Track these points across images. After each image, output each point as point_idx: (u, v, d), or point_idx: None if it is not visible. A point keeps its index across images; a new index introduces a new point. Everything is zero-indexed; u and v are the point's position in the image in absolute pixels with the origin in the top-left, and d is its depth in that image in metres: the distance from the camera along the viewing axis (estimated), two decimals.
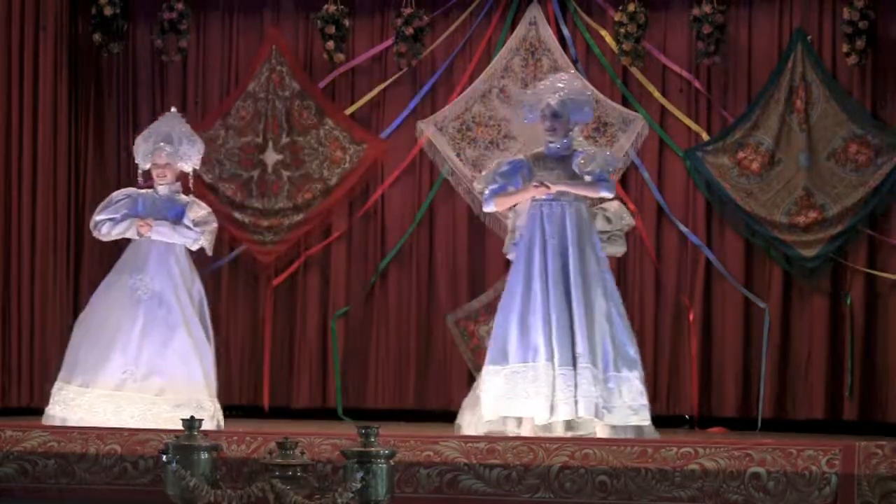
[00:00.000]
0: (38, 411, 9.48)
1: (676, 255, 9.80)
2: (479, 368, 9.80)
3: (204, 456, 5.82)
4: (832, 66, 9.55)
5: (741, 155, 9.59)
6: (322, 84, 10.19)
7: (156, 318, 8.27)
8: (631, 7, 9.62)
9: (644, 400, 7.44)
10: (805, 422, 9.39)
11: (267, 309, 10.13)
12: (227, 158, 10.19)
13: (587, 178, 7.53)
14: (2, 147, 9.48)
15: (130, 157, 10.29)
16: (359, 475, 5.62)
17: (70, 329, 9.99)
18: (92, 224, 8.53)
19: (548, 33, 9.95)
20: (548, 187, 7.50)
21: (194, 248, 8.52)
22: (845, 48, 9.36)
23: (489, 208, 7.85)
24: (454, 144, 9.97)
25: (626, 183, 9.86)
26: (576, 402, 7.33)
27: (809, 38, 9.53)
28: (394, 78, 10.12)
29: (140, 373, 8.18)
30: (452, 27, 10.09)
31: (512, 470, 6.57)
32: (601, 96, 9.80)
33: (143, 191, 8.54)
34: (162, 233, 8.39)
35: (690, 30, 9.68)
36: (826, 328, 9.48)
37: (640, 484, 6.47)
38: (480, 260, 10.01)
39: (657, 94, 9.81)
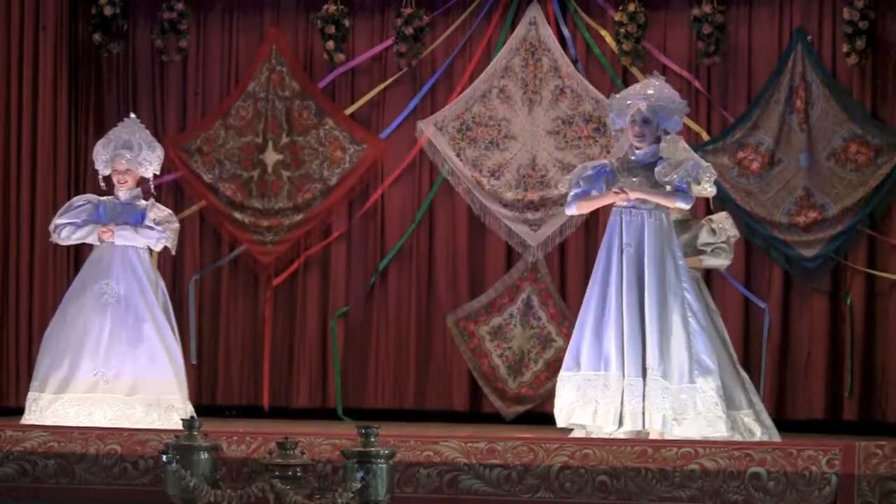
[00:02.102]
0: None
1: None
2: (478, 368, 9.84)
3: (204, 456, 5.82)
4: (832, 66, 9.55)
5: (741, 155, 9.59)
6: (322, 84, 10.19)
7: (124, 322, 8.30)
8: (631, 7, 9.63)
9: (719, 412, 7.32)
10: (805, 422, 9.39)
11: (267, 309, 10.13)
12: (227, 158, 10.19)
13: (668, 187, 7.46)
14: (2, 147, 9.48)
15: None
16: (359, 475, 5.62)
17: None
18: (52, 227, 8.49)
19: (548, 33, 9.96)
20: (626, 193, 7.44)
21: (158, 247, 8.53)
22: (845, 48, 9.36)
23: (571, 211, 7.75)
24: (454, 144, 9.97)
25: None
26: (643, 414, 7.29)
27: (809, 37, 9.53)
28: (394, 78, 10.13)
29: (111, 373, 8.20)
30: (452, 27, 10.09)
31: (512, 470, 6.57)
32: (601, 96, 9.80)
33: (103, 197, 8.55)
34: (125, 236, 8.39)
35: (690, 30, 9.68)
36: (826, 328, 9.49)
37: (640, 484, 6.47)
38: (480, 260, 10.01)
39: None
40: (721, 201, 9.65)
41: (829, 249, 9.41)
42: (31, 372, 9.59)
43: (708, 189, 7.83)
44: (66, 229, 8.43)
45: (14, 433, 7.01)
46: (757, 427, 7.73)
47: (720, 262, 8.02)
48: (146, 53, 10.37)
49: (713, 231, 7.93)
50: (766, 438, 7.69)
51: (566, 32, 9.98)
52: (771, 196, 9.53)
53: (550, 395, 9.82)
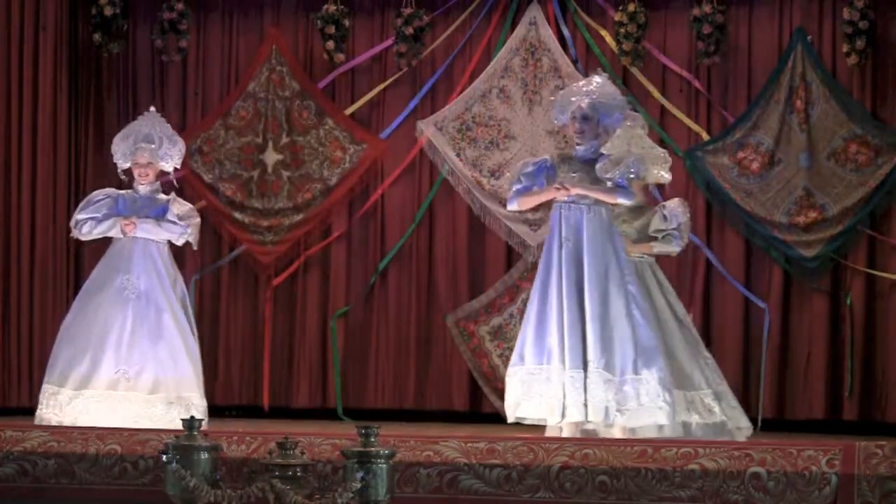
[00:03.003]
0: None
1: (676, 255, 9.79)
2: (478, 368, 9.83)
3: (204, 456, 5.82)
4: (832, 66, 9.55)
5: (741, 155, 9.59)
6: (322, 84, 10.19)
7: (145, 317, 8.28)
8: (631, 7, 9.63)
9: (661, 402, 7.39)
10: (805, 422, 9.39)
11: (267, 309, 10.13)
12: (227, 158, 10.19)
13: (608, 183, 7.51)
14: (2, 147, 9.48)
15: None
16: (359, 475, 5.61)
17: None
18: (72, 223, 8.50)
19: (548, 33, 9.96)
20: (567, 190, 7.50)
21: (180, 242, 8.53)
22: (845, 48, 9.36)
23: (513, 207, 7.85)
24: (454, 144, 9.97)
25: None
26: (585, 406, 7.33)
27: (809, 37, 9.53)
28: (394, 78, 10.12)
29: (133, 371, 8.18)
30: (452, 27, 10.09)
31: (512, 470, 6.57)
32: None
33: (122, 191, 8.53)
34: (148, 230, 8.38)
35: (690, 30, 9.68)
36: (826, 328, 9.48)
37: (640, 484, 6.47)
38: (480, 260, 10.01)
39: (657, 94, 9.82)
40: (721, 201, 9.66)
41: (829, 249, 9.41)
42: (33, 372, 9.62)
43: (665, 177, 7.99)
44: (88, 224, 8.41)
45: (14, 433, 7.01)
46: (716, 406, 7.74)
47: (671, 248, 8.04)
48: (146, 53, 10.37)
49: (665, 217, 7.97)
50: (725, 419, 7.71)
51: (566, 32, 9.98)
52: (771, 196, 9.53)
53: None
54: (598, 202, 7.56)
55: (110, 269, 8.38)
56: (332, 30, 9.99)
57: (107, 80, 10.36)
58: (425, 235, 10.11)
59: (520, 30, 10.01)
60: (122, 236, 8.39)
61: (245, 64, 10.32)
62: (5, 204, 9.51)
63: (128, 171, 8.60)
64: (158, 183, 8.57)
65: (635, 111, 9.74)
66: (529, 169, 7.71)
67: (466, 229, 10.02)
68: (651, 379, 7.39)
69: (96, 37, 10.07)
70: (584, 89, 7.65)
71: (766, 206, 9.51)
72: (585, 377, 7.36)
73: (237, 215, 10.13)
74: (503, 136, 9.95)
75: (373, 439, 5.69)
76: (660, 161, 8.03)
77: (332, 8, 10.00)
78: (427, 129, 10.03)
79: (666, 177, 8.08)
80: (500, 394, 9.70)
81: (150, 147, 8.48)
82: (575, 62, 9.91)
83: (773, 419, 9.43)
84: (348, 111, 10.19)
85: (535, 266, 9.84)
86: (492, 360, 9.85)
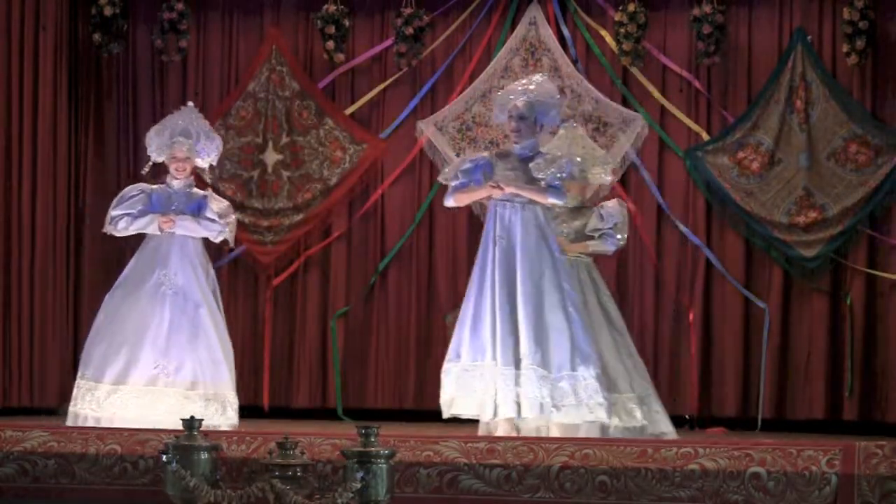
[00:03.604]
0: (38, 411, 9.51)
1: (676, 255, 9.80)
2: None
3: (204, 456, 5.82)
4: (832, 66, 9.55)
5: (741, 155, 9.59)
6: (322, 84, 10.19)
7: (183, 313, 8.20)
8: (631, 7, 9.63)
9: (600, 398, 7.41)
10: (805, 422, 9.39)
11: (267, 309, 10.13)
12: (227, 158, 10.17)
13: (542, 183, 7.55)
14: (2, 147, 9.48)
15: (130, 157, 10.35)
16: (359, 475, 5.62)
17: (72, 328, 10.05)
18: (108, 220, 8.38)
19: (548, 33, 9.96)
20: (501, 189, 7.54)
21: (218, 240, 8.46)
22: (845, 48, 9.36)
23: (449, 203, 7.86)
24: (454, 144, 9.97)
25: (627, 183, 9.87)
26: (518, 403, 7.35)
27: (809, 37, 9.53)
28: (394, 78, 10.12)
29: (172, 367, 8.12)
30: (452, 27, 10.09)
31: (512, 470, 6.57)
32: (601, 96, 9.81)
33: (155, 186, 8.45)
34: (187, 227, 8.31)
35: (690, 30, 9.68)
36: (826, 328, 9.48)
37: (640, 484, 6.47)
38: None
39: (657, 94, 9.82)
40: (721, 201, 9.66)
41: (829, 249, 9.41)
42: (33, 372, 9.62)
43: (605, 178, 8.06)
44: (123, 220, 8.32)
45: (14, 433, 7.01)
46: (638, 410, 7.76)
47: (606, 247, 8.08)
48: (146, 53, 10.36)
49: (602, 217, 7.99)
50: (645, 423, 7.73)
51: (566, 32, 9.98)
52: (771, 196, 9.53)
53: None
54: (532, 201, 7.57)
55: (146, 266, 8.28)
56: (332, 30, 9.99)
57: (107, 80, 10.35)
58: (425, 235, 10.11)
59: (520, 30, 10.01)
60: (158, 233, 8.31)
61: (245, 64, 10.32)
62: (5, 203, 9.51)
63: (158, 168, 8.51)
64: (192, 178, 8.50)
65: (635, 111, 9.80)
66: (467, 166, 7.73)
67: (466, 229, 10.01)
68: (588, 376, 7.40)
69: (96, 37, 10.07)
70: (522, 88, 7.66)
71: (766, 206, 9.52)
72: (518, 374, 7.37)
73: (237, 215, 10.12)
74: (503, 136, 9.94)
75: (373, 439, 5.69)
76: (601, 162, 8.07)
77: (332, 8, 10.00)
78: (427, 129, 10.03)
79: (607, 178, 8.13)
80: None
81: (188, 142, 8.40)
82: (575, 62, 9.91)
83: (773, 419, 9.44)
84: (348, 111, 10.20)
85: None
86: None
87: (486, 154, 7.89)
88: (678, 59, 9.81)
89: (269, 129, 10.15)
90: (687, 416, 9.62)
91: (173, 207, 8.33)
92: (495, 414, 7.38)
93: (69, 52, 10.05)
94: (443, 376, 7.60)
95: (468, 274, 9.91)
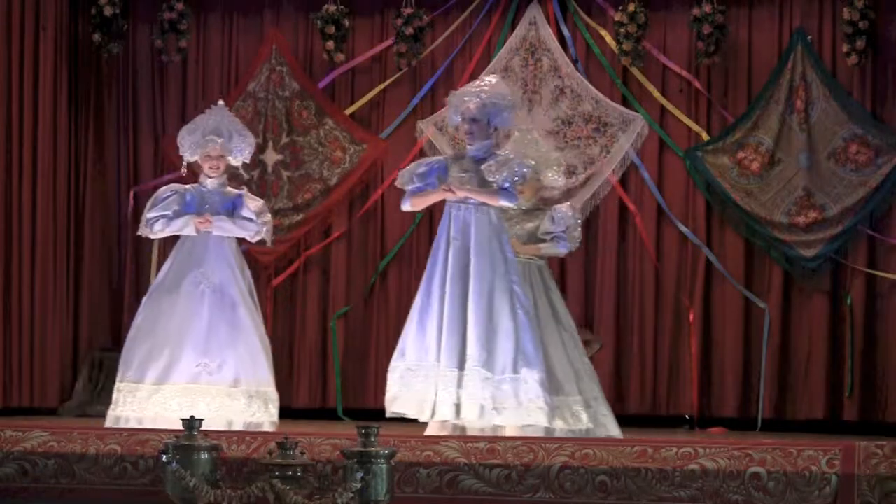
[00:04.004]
0: (38, 411, 9.51)
1: (676, 255, 9.80)
2: None
3: (204, 456, 5.82)
4: (832, 66, 9.55)
5: (741, 155, 9.59)
6: (322, 84, 10.20)
7: (222, 311, 8.11)
8: (631, 7, 9.63)
9: (541, 402, 7.39)
10: (805, 422, 9.39)
11: (267, 309, 10.12)
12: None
13: (494, 185, 7.56)
14: (2, 147, 9.48)
15: (130, 157, 10.36)
16: (359, 475, 5.61)
17: (72, 328, 10.05)
18: (143, 222, 8.27)
19: (548, 33, 9.96)
20: (453, 192, 7.55)
21: (255, 239, 8.36)
22: (845, 48, 9.37)
23: (406, 207, 7.84)
24: (454, 144, 9.96)
25: (627, 183, 9.87)
26: (458, 405, 7.35)
27: (809, 38, 9.53)
28: (394, 78, 10.13)
29: (214, 365, 8.06)
30: (452, 27, 10.10)
31: (512, 470, 6.57)
32: (601, 96, 9.82)
33: (188, 186, 8.35)
34: (224, 227, 8.21)
35: (690, 30, 9.68)
36: (826, 328, 9.49)
37: (640, 484, 6.47)
38: None
39: (657, 94, 9.82)
40: (721, 201, 9.66)
41: (829, 249, 9.42)
42: (33, 372, 9.62)
43: (558, 181, 8.10)
44: (159, 222, 8.20)
45: (14, 433, 7.01)
46: (584, 414, 7.76)
47: (558, 250, 8.10)
48: (146, 53, 10.37)
49: (553, 220, 8.01)
50: (591, 426, 7.73)
51: (566, 32, 9.98)
52: (771, 196, 9.53)
53: None
54: (485, 203, 7.59)
55: (183, 266, 8.19)
56: (332, 30, 9.99)
57: (107, 80, 10.36)
58: (425, 235, 10.10)
59: (520, 30, 10.01)
60: (195, 234, 8.21)
61: (245, 64, 10.32)
62: (6, 203, 9.51)
63: (191, 167, 8.43)
64: (226, 177, 8.44)
65: (635, 111, 9.80)
66: (422, 169, 7.74)
67: None
68: (531, 379, 7.38)
69: (96, 37, 10.07)
70: (475, 90, 7.65)
71: (766, 206, 9.52)
72: (462, 376, 7.37)
73: None
74: (503, 136, 9.93)
75: (373, 439, 5.69)
76: (554, 165, 8.09)
77: (332, 8, 10.00)
78: (427, 129, 10.03)
79: (560, 181, 8.17)
80: None
81: (220, 140, 8.32)
82: (575, 62, 9.92)
83: (773, 419, 9.44)
84: (348, 111, 10.20)
85: None
86: None
87: (440, 157, 7.88)
88: (678, 59, 9.82)
89: (269, 129, 10.15)
90: (687, 416, 9.63)
91: (207, 207, 8.25)
92: (433, 415, 7.38)
93: (69, 52, 10.05)
94: (388, 374, 7.61)
95: None
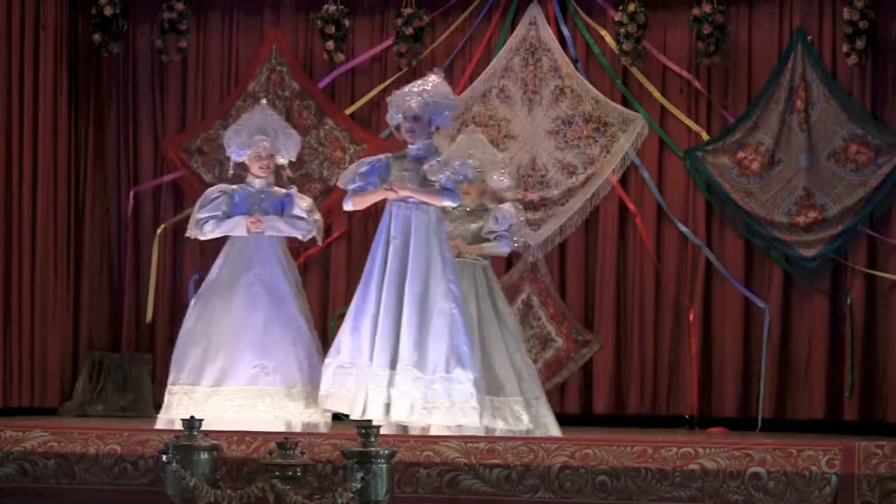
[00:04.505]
0: (38, 411, 9.50)
1: (676, 255, 9.80)
2: None
3: (204, 456, 5.82)
4: (832, 66, 9.55)
5: (741, 155, 9.59)
6: (322, 84, 10.19)
7: (276, 312, 8.01)
8: (631, 7, 9.63)
9: (474, 403, 7.38)
10: (805, 422, 9.39)
11: None
12: (227, 158, 10.17)
13: (436, 185, 7.56)
14: (2, 147, 9.47)
15: (130, 157, 10.36)
16: (359, 475, 5.61)
17: (72, 328, 10.04)
18: (193, 223, 8.18)
19: (548, 33, 9.96)
20: (395, 191, 7.55)
21: (307, 238, 8.31)
22: (845, 48, 9.36)
23: (347, 206, 7.83)
24: (452, 143, 9.95)
25: (627, 183, 9.87)
26: (388, 403, 7.35)
27: (809, 38, 9.53)
28: (394, 78, 10.12)
29: (271, 366, 8.00)
30: (452, 27, 10.10)
31: (512, 470, 6.57)
32: (601, 96, 9.82)
33: (235, 186, 8.27)
34: (276, 227, 8.15)
35: (690, 30, 9.68)
36: (826, 328, 9.49)
37: (640, 484, 6.47)
38: None
39: (657, 94, 9.82)
40: (721, 201, 9.66)
41: (829, 249, 9.42)
42: (34, 372, 9.61)
43: (504, 182, 8.07)
44: (210, 224, 8.11)
45: (14, 433, 7.01)
46: (525, 415, 7.76)
47: (501, 249, 8.11)
48: (146, 53, 10.37)
49: (496, 220, 8.03)
50: (532, 427, 7.73)
51: (566, 32, 9.98)
52: (771, 196, 9.53)
53: (551, 395, 9.86)
54: (426, 202, 7.60)
55: (234, 267, 8.10)
56: (332, 30, 9.99)
57: (107, 80, 10.36)
58: None
59: (520, 30, 10.01)
60: (246, 235, 8.11)
61: (245, 64, 10.32)
62: (6, 203, 9.50)
63: (239, 166, 8.31)
64: (273, 176, 8.42)
65: (635, 111, 9.80)
66: (364, 169, 7.73)
67: None
68: (465, 379, 7.38)
69: (96, 37, 10.07)
70: (417, 89, 7.65)
71: (766, 206, 9.52)
72: (394, 375, 7.37)
73: None
74: (503, 136, 9.94)
75: (373, 439, 5.69)
76: (499, 166, 8.10)
77: (332, 8, 10.00)
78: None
79: (505, 181, 8.13)
80: None
81: (267, 139, 8.22)
82: (575, 62, 9.91)
83: (773, 419, 9.44)
84: (348, 111, 10.20)
85: (535, 266, 9.88)
86: None
87: (382, 156, 7.85)
88: (678, 59, 9.82)
89: None
90: (687, 416, 9.63)
91: (257, 208, 8.20)
92: (364, 413, 7.36)
93: (69, 52, 10.05)
94: (322, 370, 7.60)
95: None
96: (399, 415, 7.32)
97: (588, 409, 9.83)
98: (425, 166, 7.57)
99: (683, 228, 9.73)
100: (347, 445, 5.89)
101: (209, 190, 8.33)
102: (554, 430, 7.88)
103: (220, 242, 10.12)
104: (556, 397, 9.85)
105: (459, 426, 7.37)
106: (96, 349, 10.15)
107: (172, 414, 7.93)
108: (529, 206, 9.85)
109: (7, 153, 9.51)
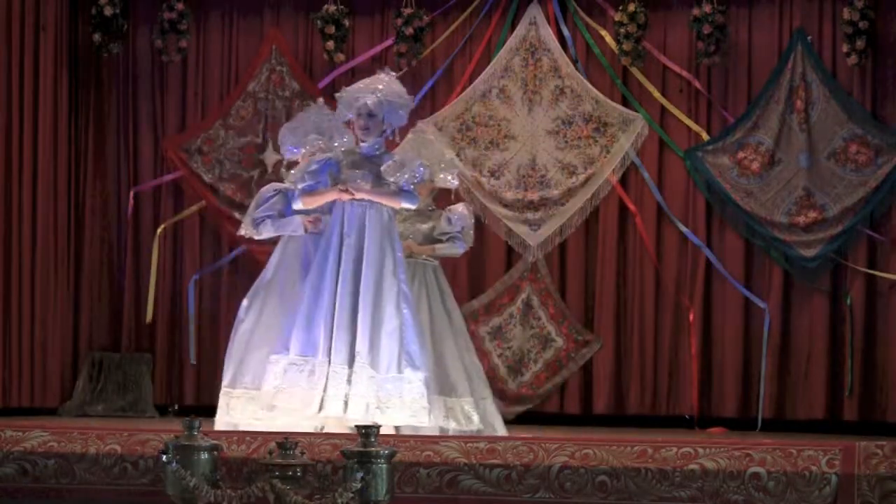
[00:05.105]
0: (38, 411, 9.50)
1: (676, 255, 9.80)
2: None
3: (204, 456, 5.81)
4: (832, 66, 9.55)
5: (741, 155, 9.59)
6: (322, 84, 10.19)
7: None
8: (631, 7, 9.63)
9: (425, 402, 7.40)
10: (805, 422, 9.39)
11: None
12: (227, 158, 10.18)
13: (392, 186, 7.55)
14: (2, 147, 9.48)
15: (130, 157, 10.36)
16: (359, 475, 5.61)
17: (72, 328, 10.04)
18: (248, 222, 8.05)
19: (548, 33, 9.96)
20: (352, 194, 7.53)
21: None
22: (845, 48, 9.36)
23: (297, 206, 7.77)
24: (454, 144, 9.97)
25: (627, 183, 9.87)
26: (346, 402, 7.35)
27: (809, 38, 9.53)
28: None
29: None
30: (452, 27, 10.09)
31: (512, 470, 6.57)
32: (601, 96, 9.82)
33: (287, 185, 8.06)
34: None
35: (690, 30, 9.68)
36: (826, 328, 9.49)
37: (640, 484, 6.46)
38: (480, 260, 10.00)
39: (657, 94, 9.82)
40: (721, 201, 9.66)
41: (829, 249, 9.42)
42: (34, 372, 9.61)
43: (452, 182, 8.09)
44: (266, 223, 7.95)
45: (14, 433, 7.01)
46: (475, 415, 7.80)
47: (454, 250, 8.15)
48: (146, 53, 10.37)
49: (449, 221, 8.05)
50: (482, 427, 7.77)
51: (566, 32, 9.98)
52: (771, 196, 9.53)
53: (550, 395, 9.87)
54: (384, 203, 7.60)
55: (292, 267, 7.93)
56: (332, 30, 9.99)
57: (107, 80, 10.36)
58: None
59: (520, 30, 10.01)
60: (303, 234, 7.93)
61: (245, 64, 10.32)
62: (6, 203, 9.51)
63: (292, 165, 8.29)
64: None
65: (635, 111, 9.80)
66: (313, 167, 7.69)
67: None
68: (415, 379, 7.41)
69: (96, 37, 10.07)
70: (371, 87, 7.66)
71: (766, 206, 9.52)
72: (352, 373, 7.37)
73: (237, 215, 10.11)
74: (503, 136, 9.94)
75: (373, 439, 5.69)
76: (449, 166, 8.10)
77: (332, 8, 10.00)
78: (427, 129, 10.02)
79: (453, 182, 8.15)
80: (501, 394, 9.71)
81: (322, 138, 8.21)
82: (575, 62, 9.91)
83: (773, 419, 9.43)
84: None
85: (535, 266, 9.88)
86: (492, 359, 9.84)
87: (330, 154, 7.82)
88: (678, 59, 9.82)
89: (269, 129, 10.14)
90: (687, 416, 9.63)
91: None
92: (321, 409, 7.35)
93: (69, 52, 10.05)
94: (268, 367, 7.53)
95: (468, 274, 9.99)
96: (356, 413, 7.32)
97: (588, 409, 9.83)
98: (382, 167, 7.55)
99: (683, 228, 9.73)
100: (347, 445, 5.89)
101: (264, 188, 8.21)
102: (501, 429, 7.96)
103: (220, 243, 10.13)
104: (556, 397, 9.87)
105: (411, 425, 7.40)
106: (96, 349, 10.15)
107: (237, 418, 7.79)
108: (529, 206, 9.86)
109: (7, 153, 9.51)
